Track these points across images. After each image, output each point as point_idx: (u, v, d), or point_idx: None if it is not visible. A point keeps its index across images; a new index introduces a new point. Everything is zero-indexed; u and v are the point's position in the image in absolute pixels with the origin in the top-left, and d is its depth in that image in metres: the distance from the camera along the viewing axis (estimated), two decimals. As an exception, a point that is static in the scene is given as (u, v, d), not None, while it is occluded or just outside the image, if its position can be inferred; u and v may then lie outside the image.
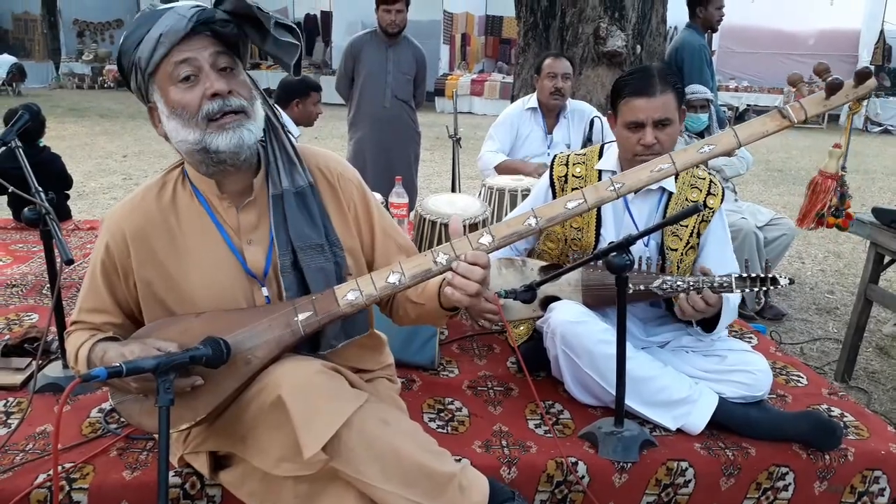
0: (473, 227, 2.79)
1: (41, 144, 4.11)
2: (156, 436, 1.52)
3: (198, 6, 1.40)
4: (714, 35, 4.94)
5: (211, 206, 1.54)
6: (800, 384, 2.34)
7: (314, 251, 1.52)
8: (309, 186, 1.55)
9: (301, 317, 1.44)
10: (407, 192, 3.37)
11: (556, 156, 2.28)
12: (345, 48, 4.63)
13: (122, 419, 1.90)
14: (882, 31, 13.64)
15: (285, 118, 3.76)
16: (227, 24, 1.40)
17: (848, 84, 1.52)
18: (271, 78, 12.28)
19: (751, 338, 2.72)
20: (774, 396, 2.21)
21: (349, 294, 1.45)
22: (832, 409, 2.16)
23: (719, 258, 2.12)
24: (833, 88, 1.51)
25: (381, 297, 1.47)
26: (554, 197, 2.22)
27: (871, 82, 1.53)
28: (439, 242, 2.83)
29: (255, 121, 1.46)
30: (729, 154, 1.67)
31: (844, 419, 2.10)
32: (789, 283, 1.85)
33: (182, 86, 1.40)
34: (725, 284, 1.88)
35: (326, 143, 9.11)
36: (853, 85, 1.52)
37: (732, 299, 2.04)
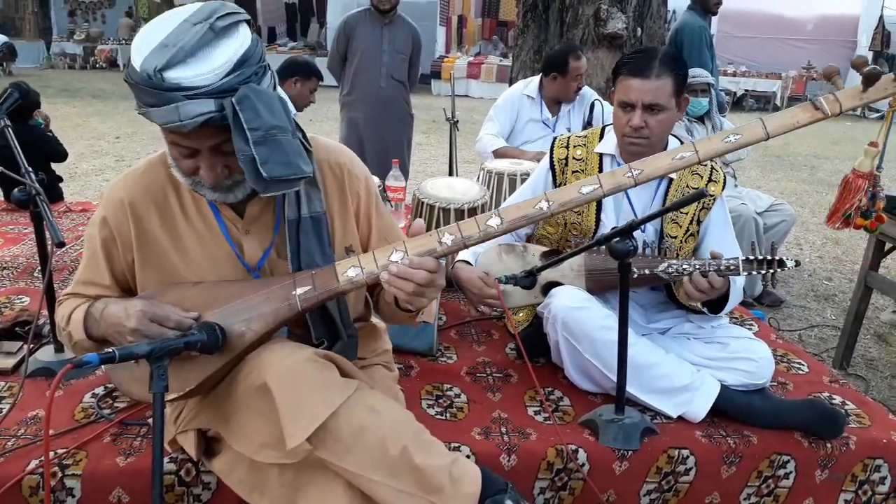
0: (472, 211, 2.76)
1: (39, 123, 4.05)
2: (150, 421, 1.49)
3: (203, 114, 1.22)
4: (713, 19, 4.90)
5: None
6: (801, 372, 2.32)
7: None
8: (323, 214, 1.50)
9: (299, 291, 1.41)
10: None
11: (556, 138, 2.24)
12: (338, 26, 4.57)
13: (115, 404, 1.88)
14: (881, 17, 13.54)
15: (284, 97, 3.70)
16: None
17: (887, 77, 1.42)
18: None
19: (751, 325, 2.70)
20: (775, 384, 2.19)
21: (350, 270, 1.41)
22: (833, 396, 2.15)
23: (720, 244, 2.09)
24: (870, 79, 1.41)
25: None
26: (554, 180, 2.18)
27: None
28: (437, 227, 2.79)
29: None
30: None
31: (846, 407, 2.08)
32: (795, 266, 1.83)
33: (179, 149, 1.33)
34: (732, 267, 1.85)
35: (321, 125, 9.02)
36: (893, 78, 1.42)
37: (739, 281, 2.01)
